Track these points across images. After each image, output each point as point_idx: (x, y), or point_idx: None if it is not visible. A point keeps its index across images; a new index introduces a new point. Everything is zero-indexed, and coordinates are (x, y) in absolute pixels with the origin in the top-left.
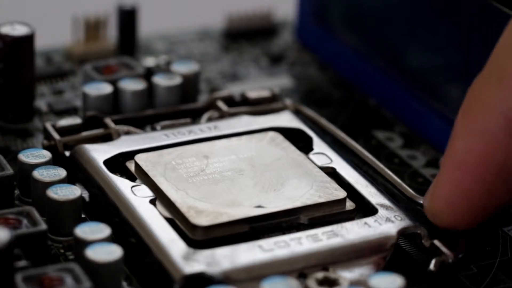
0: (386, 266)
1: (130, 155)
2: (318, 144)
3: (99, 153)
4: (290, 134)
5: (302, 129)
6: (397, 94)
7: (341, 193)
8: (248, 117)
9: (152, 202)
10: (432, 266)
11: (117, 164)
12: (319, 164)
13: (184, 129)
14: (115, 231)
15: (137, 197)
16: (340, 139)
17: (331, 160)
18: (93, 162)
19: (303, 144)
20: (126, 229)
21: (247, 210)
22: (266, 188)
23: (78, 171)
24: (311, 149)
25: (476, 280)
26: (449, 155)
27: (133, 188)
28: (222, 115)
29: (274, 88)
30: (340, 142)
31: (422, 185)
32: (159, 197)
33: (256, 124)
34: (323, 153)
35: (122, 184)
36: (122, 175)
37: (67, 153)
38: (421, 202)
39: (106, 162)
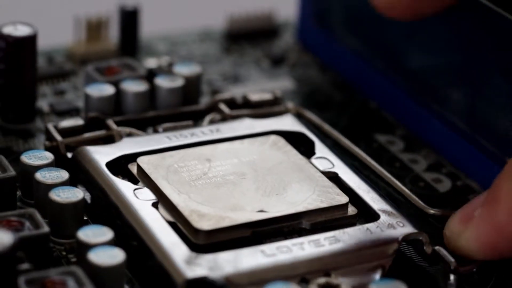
0: (388, 272)
1: (132, 157)
2: (320, 149)
3: (101, 155)
4: (292, 138)
5: (304, 133)
6: (398, 97)
7: (343, 198)
8: (250, 120)
9: (155, 205)
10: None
11: (119, 166)
12: (321, 168)
13: (186, 132)
14: (117, 234)
15: (139, 200)
16: (342, 144)
17: (333, 165)
18: (95, 164)
19: (305, 148)
20: (128, 232)
21: (249, 215)
22: (268, 192)
23: (80, 173)
24: (313, 153)
25: (477, 285)
26: (492, 210)
27: (136, 191)
28: (224, 118)
29: (276, 91)
30: (343, 147)
31: (423, 190)
32: (162, 200)
33: (258, 128)
34: (325, 157)
35: (124, 186)
36: (124, 178)
37: (69, 155)
38: (432, 212)
39: (108, 165)
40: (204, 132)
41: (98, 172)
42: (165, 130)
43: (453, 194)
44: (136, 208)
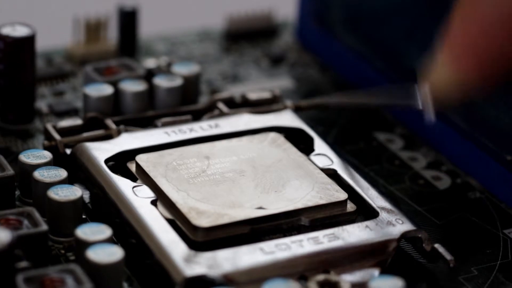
0: (387, 269)
1: (131, 154)
2: (319, 145)
3: (100, 151)
4: (291, 134)
5: (303, 129)
6: None
7: (342, 195)
8: (249, 116)
9: (153, 203)
10: None
11: (118, 162)
12: (320, 165)
13: (185, 127)
14: (116, 231)
15: (138, 197)
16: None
17: (332, 162)
18: (94, 161)
19: (304, 145)
20: (127, 230)
21: (248, 212)
22: (267, 190)
23: (79, 169)
24: (312, 149)
25: (476, 282)
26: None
27: (134, 189)
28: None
29: (275, 90)
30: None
31: (422, 187)
32: (160, 198)
33: (257, 123)
34: (324, 154)
35: (123, 184)
36: (123, 175)
37: (68, 151)
38: None
39: (107, 161)
40: (203, 127)
41: (97, 170)
42: (164, 125)
43: (453, 191)
44: (135, 206)
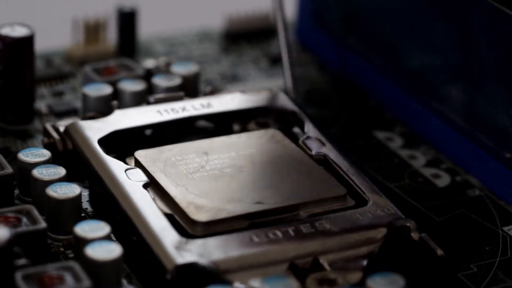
0: (375, 259)
1: (125, 133)
2: (310, 129)
3: (93, 131)
4: (281, 115)
5: (295, 111)
6: (397, 95)
7: (341, 190)
8: (241, 95)
9: (145, 186)
10: None
11: (112, 142)
12: (310, 149)
13: (177, 106)
14: (115, 228)
15: (130, 181)
16: None
17: (323, 145)
18: (87, 141)
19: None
20: (120, 215)
21: (247, 206)
22: (266, 185)
23: (73, 148)
24: (303, 132)
25: (475, 279)
26: None
27: (127, 172)
28: None
29: (273, 88)
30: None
31: (422, 185)
32: (159, 193)
33: (249, 103)
34: (315, 138)
35: (116, 166)
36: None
37: (62, 128)
38: None
39: (100, 141)
40: (195, 106)
41: (90, 150)
42: (157, 101)
43: (452, 189)
44: (128, 191)
